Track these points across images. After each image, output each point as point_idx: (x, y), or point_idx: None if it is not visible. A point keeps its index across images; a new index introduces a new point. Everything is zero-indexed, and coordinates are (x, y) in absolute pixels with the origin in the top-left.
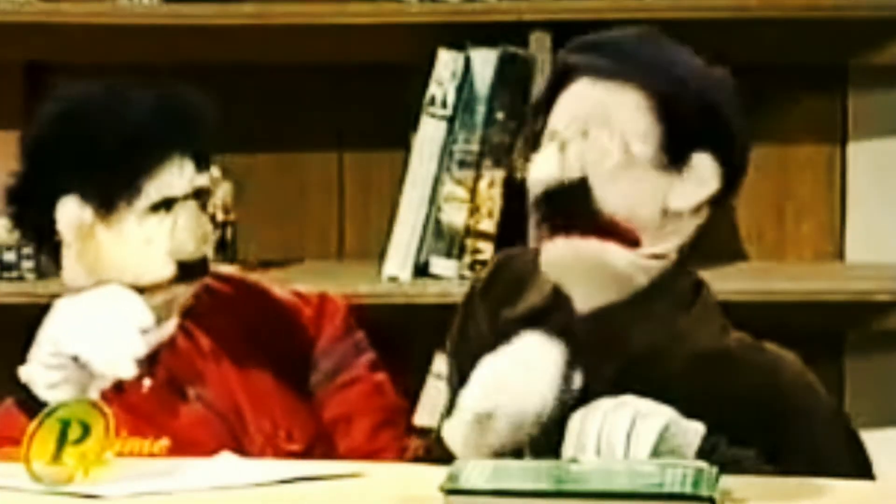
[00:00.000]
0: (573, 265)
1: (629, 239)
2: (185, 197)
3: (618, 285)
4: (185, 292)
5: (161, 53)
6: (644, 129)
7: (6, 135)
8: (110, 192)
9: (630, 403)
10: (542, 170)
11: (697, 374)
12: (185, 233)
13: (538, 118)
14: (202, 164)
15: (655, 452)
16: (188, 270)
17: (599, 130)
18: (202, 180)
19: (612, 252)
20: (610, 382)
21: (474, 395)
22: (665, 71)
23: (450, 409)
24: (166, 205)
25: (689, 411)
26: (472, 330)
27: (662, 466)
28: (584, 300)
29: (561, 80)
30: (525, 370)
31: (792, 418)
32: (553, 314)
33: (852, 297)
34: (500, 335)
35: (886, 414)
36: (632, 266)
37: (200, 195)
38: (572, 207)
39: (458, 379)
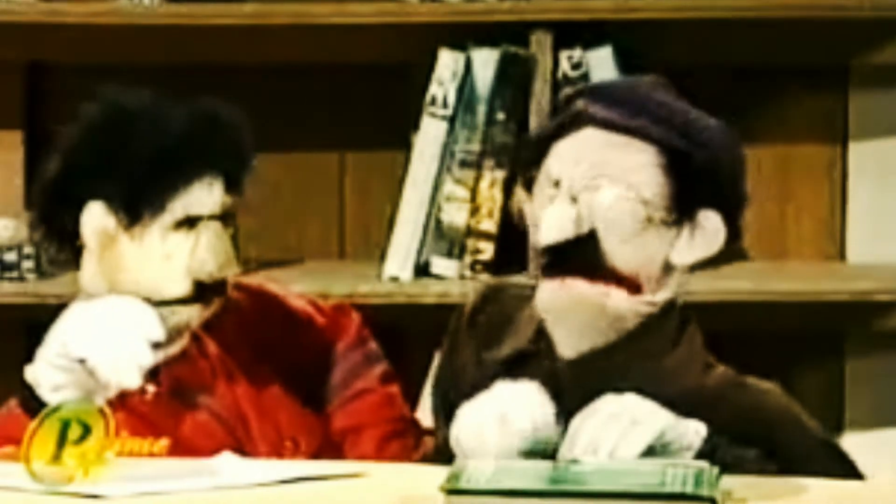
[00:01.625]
0: (571, 306)
1: (631, 286)
2: (211, 217)
3: (611, 329)
4: (199, 315)
5: (161, 53)
6: (655, 186)
7: (6, 135)
8: (137, 204)
9: (628, 411)
10: (556, 226)
11: (681, 413)
12: (207, 253)
13: (536, 156)
14: (232, 187)
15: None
16: (204, 291)
17: (611, 185)
18: (230, 202)
19: (615, 296)
20: None
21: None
22: (676, 127)
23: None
24: (190, 223)
25: None
26: (457, 362)
27: (663, 466)
28: (570, 344)
29: (568, 124)
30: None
31: (781, 453)
32: (536, 358)
33: (853, 297)
34: (483, 376)
35: (886, 414)
36: (630, 311)
37: (227, 217)
38: (579, 258)
39: (444, 411)
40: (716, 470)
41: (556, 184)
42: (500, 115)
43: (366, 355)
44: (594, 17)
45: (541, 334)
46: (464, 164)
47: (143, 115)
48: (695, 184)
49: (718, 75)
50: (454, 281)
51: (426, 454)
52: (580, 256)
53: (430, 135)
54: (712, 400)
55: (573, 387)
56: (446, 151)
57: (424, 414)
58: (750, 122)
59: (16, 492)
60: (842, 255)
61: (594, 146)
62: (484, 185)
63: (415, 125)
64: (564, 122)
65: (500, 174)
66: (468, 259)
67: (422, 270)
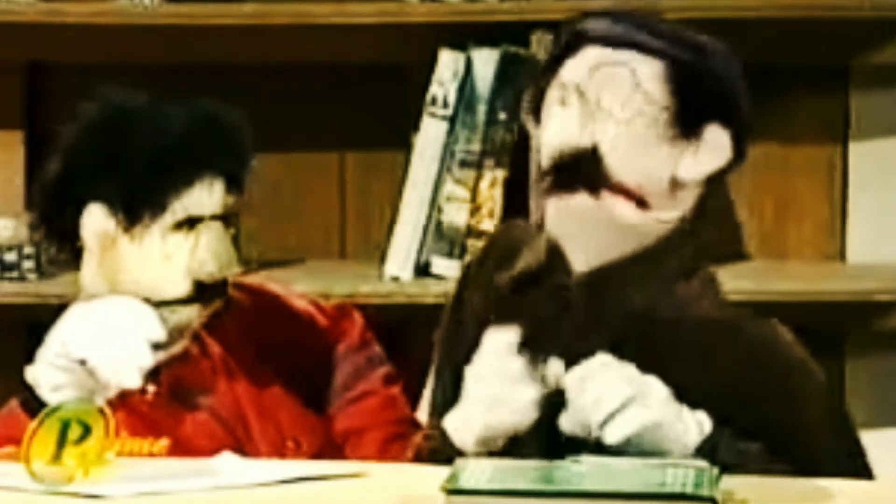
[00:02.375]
0: (581, 219)
1: (638, 202)
2: (212, 217)
3: (624, 241)
4: (199, 315)
5: (161, 53)
6: (659, 99)
7: (6, 135)
8: (136, 205)
9: (642, 388)
10: (557, 134)
11: (692, 340)
12: (207, 253)
13: (543, 78)
14: (233, 187)
15: (632, 443)
16: (204, 291)
17: (614, 98)
18: (231, 203)
19: (623, 208)
20: (605, 343)
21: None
22: (679, 42)
23: (437, 403)
24: (190, 223)
25: (679, 378)
26: (465, 314)
27: (664, 466)
28: (584, 259)
29: (571, 45)
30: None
31: (780, 388)
32: (548, 275)
33: (853, 297)
34: (492, 299)
35: (887, 414)
36: (640, 224)
37: (228, 218)
38: (583, 173)
39: (452, 370)
40: (716, 470)
41: (562, 100)
42: (501, 115)
43: (368, 357)
44: None
45: (553, 252)
46: (464, 164)
47: (143, 116)
48: (699, 97)
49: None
50: (454, 281)
51: (419, 449)
52: (585, 173)
53: (430, 135)
54: (727, 331)
55: (583, 300)
56: (447, 151)
57: (425, 413)
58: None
59: (16, 492)
60: (842, 256)
61: (597, 62)
62: (484, 184)
63: (415, 125)
64: (566, 44)
65: (501, 174)
66: (469, 259)
67: (422, 270)
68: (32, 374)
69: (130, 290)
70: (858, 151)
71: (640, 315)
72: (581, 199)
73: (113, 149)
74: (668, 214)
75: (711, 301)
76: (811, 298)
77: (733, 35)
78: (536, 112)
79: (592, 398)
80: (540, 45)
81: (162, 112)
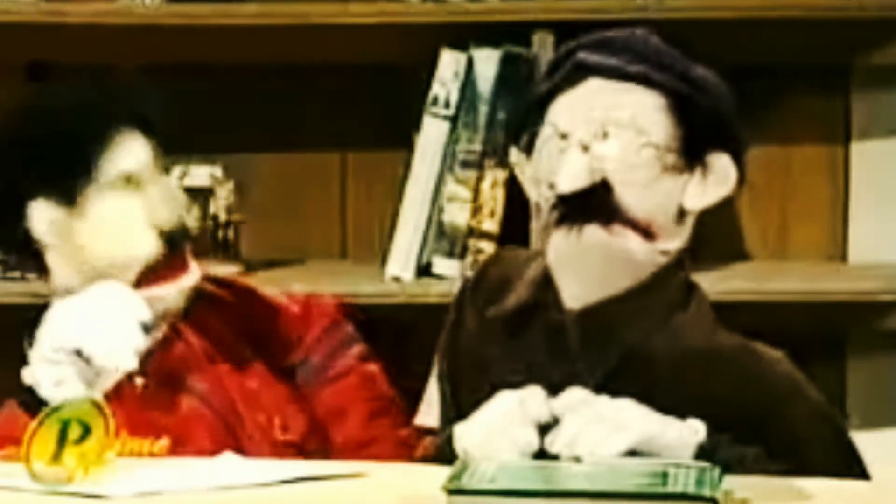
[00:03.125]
0: (586, 252)
1: (646, 234)
2: (146, 168)
3: (624, 274)
4: (176, 296)
5: (163, 53)
6: (663, 130)
7: None
8: (67, 185)
9: (618, 415)
10: (571, 175)
11: (686, 372)
12: (159, 201)
13: (536, 114)
14: (150, 135)
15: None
16: (173, 240)
17: (620, 132)
18: (154, 149)
19: (632, 240)
20: (599, 377)
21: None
22: (678, 72)
23: (445, 415)
24: (127, 179)
25: (675, 409)
26: (461, 331)
27: (665, 466)
28: (578, 294)
29: (568, 76)
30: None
31: (775, 418)
32: (541, 311)
33: (855, 297)
34: (486, 334)
35: (888, 414)
36: (644, 256)
37: (164, 166)
38: (594, 207)
39: (450, 383)
40: (717, 470)
41: (564, 136)
42: (502, 115)
43: (341, 338)
44: (597, 18)
45: (544, 288)
46: (465, 164)
47: (33, 109)
48: (701, 126)
49: (719, 75)
50: (456, 281)
51: (426, 452)
52: (595, 206)
53: (431, 135)
54: (721, 363)
55: (580, 339)
56: (448, 151)
57: (426, 414)
58: (751, 122)
59: (16, 492)
60: (843, 256)
61: (600, 95)
62: (485, 185)
63: (416, 125)
64: (566, 75)
65: (502, 174)
66: (470, 259)
67: (423, 271)
68: (30, 374)
69: (103, 267)
70: (859, 151)
71: (634, 351)
72: (591, 231)
73: (22, 147)
74: (670, 245)
75: (705, 328)
76: (812, 298)
77: (734, 35)
78: (529, 144)
79: (567, 440)
80: (541, 44)
81: (46, 98)
